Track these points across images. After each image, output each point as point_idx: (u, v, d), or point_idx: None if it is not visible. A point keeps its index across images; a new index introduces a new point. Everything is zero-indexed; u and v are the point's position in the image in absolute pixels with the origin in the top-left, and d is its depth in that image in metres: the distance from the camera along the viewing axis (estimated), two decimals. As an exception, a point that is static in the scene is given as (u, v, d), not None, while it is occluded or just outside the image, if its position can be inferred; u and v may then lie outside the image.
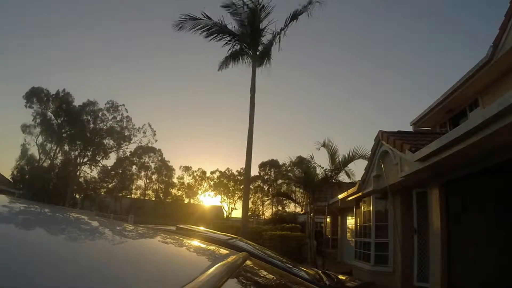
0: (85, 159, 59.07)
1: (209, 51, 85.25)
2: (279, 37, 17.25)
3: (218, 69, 18.59)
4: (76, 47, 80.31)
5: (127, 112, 59.72)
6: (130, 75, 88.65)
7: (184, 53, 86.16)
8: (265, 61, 18.12)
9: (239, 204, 67.85)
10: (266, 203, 71.20)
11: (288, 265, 5.66)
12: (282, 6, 18.03)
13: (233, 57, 18.17)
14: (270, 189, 68.09)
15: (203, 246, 1.80)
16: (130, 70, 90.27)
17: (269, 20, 17.22)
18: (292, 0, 17.09)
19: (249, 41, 17.48)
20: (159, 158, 68.90)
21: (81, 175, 60.39)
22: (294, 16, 16.77)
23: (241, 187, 64.42)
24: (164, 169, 69.75)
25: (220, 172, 73.65)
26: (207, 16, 16.43)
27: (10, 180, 48.50)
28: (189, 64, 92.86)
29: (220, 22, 16.76)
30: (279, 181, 64.31)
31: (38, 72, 75.79)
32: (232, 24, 17.09)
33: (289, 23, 16.91)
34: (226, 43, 17.60)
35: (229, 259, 1.36)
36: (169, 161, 70.27)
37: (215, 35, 17.10)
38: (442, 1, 72.01)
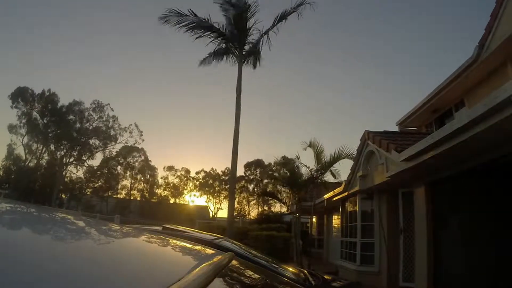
0: (71, 159, 58.95)
1: (195, 51, 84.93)
2: (267, 37, 17.26)
3: (199, 65, 18.46)
4: (59, 47, 79.80)
5: (113, 111, 59.58)
6: (114, 75, 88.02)
7: (169, 52, 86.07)
8: (251, 61, 18.11)
9: (224, 204, 68.12)
10: (252, 203, 71.59)
11: (273, 265, 5.63)
12: (274, 5, 18.03)
13: (216, 54, 18.06)
14: (255, 189, 68.37)
15: (189, 246, 1.78)
16: (115, 70, 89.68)
17: (256, 20, 17.18)
18: (284, 0, 17.01)
19: (235, 41, 17.42)
20: (143, 158, 68.83)
21: (67, 175, 60.26)
22: (283, 17, 16.75)
23: (226, 187, 64.44)
24: (148, 169, 69.64)
25: (205, 172, 73.88)
26: (193, 13, 16.25)
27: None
28: (174, 63, 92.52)
29: (206, 20, 16.59)
30: (265, 181, 64.55)
31: (23, 72, 75.02)
32: (218, 23, 17.02)
33: (277, 23, 16.89)
34: (212, 41, 17.49)
35: (215, 259, 1.35)
36: (151, 161, 70.29)
37: (201, 32, 16.96)
38: (428, 0, 72.59)
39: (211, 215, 66.81)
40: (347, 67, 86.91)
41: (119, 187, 69.57)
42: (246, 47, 17.70)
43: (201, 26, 16.76)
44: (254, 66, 18.38)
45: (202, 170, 74.15)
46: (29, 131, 54.85)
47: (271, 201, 63.88)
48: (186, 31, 16.70)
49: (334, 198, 16.09)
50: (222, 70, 18.77)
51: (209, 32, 17.06)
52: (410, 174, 9.31)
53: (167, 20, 16.27)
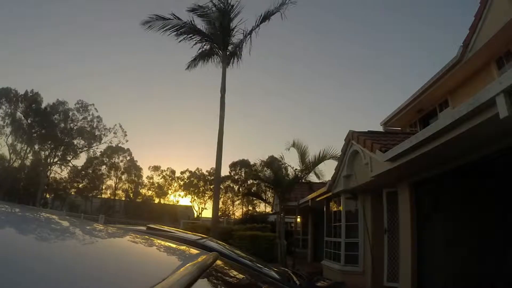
0: (56, 159, 59.01)
1: (179, 51, 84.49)
2: (250, 37, 17.23)
3: (186, 68, 18.47)
4: (42, 47, 78.91)
5: (97, 112, 59.66)
6: (99, 75, 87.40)
7: (154, 53, 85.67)
8: (235, 61, 18.10)
9: (209, 204, 68.00)
10: (237, 203, 71.76)
11: (258, 265, 5.61)
12: (256, 5, 18.04)
13: (202, 56, 18.06)
14: (240, 189, 68.39)
15: (174, 246, 1.80)
16: (100, 70, 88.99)
17: (239, 20, 17.14)
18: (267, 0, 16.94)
19: (218, 41, 17.38)
20: (128, 158, 68.64)
21: (52, 175, 60.13)
22: (266, 17, 16.70)
23: (211, 187, 64.36)
24: (133, 168, 69.44)
25: (190, 172, 73.73)
26: (176, 16, 16.25)
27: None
28: (158, 64, 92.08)
29: (190, 22, 16.57)
30: (250, 181, 64.54)
31: (6, 72, 74.16)
32: (202, 24, 16.98)
33: (260, 24, 16.84)
34: (196, 43, 17.43)
35: (199, 259, 1.37)
36: (137, 161, 70.20)
37: (185, 35, 16.95)
38: (413, 0, 73.20)
39: (195, 215, 66.78)
40: (332, 68, 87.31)
41: (103, 187, 69.48)
42: (230, 48, 17.67)
43: (185, 29, 16.72)
44: (238, 66, 18.41)
45: (187, 170, 74.13)
46: (14, 131, 55.18)
47: (255, 201, 64.06)
48: (170, 34, 16.69)
49: (319, 198, 16.12)
50: (207, 70, 18.79)
51: (192, 34, 17.04)
52: (394, 174, 9.34)
53: (150, 26, 16.28)
